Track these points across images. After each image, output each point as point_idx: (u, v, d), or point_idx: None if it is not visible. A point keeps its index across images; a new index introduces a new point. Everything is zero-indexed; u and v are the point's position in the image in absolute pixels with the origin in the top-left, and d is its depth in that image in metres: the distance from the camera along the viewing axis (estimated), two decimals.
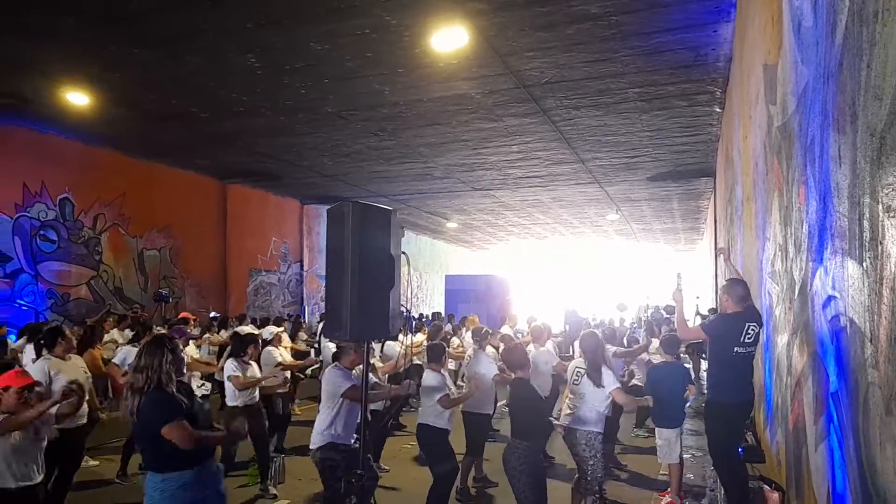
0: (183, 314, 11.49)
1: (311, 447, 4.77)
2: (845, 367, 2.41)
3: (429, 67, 8.26)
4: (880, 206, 1.79)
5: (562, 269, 35.85)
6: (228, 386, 6.29)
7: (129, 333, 9.45)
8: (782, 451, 4.74)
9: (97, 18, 6.90)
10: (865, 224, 1.97)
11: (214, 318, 12.77)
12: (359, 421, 4.60)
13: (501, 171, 14.24)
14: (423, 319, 17.47)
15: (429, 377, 5.63)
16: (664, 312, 16.48)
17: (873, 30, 1.82)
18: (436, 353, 5.82)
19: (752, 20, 5.36)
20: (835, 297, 2.56)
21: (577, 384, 5.19)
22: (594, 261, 34.12)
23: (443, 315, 17.50)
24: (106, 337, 9.31)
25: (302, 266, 18.95)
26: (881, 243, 1.80)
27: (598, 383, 5.00)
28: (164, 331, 8.60)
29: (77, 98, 9.33)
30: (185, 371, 3.72)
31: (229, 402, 6.32)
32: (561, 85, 8.83)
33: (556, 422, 5.09)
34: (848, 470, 2.38)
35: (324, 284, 20.28)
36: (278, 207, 17.83)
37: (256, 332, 9.26)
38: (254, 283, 16.86)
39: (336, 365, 5.05)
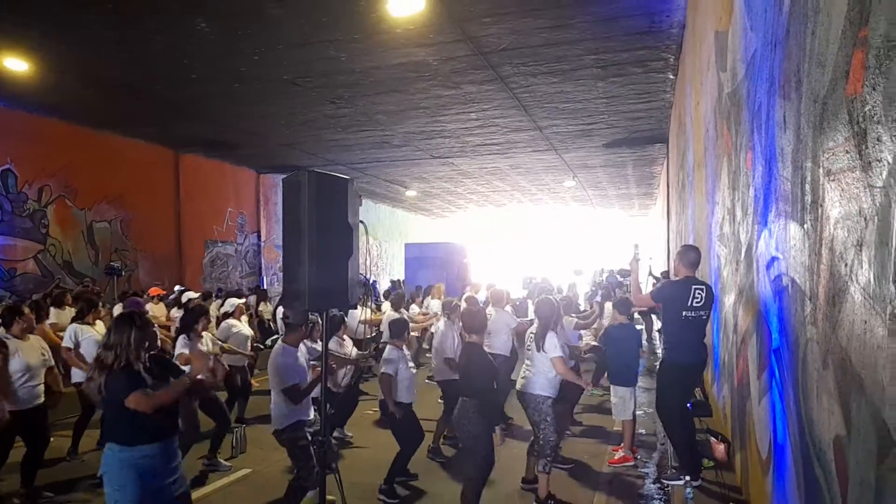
0: (153, 290, 11.24)
1: (276, 428, 4.65)
2: (786, 324, 2.52)
3: (385, 34, 8.09)
4: (821, 170, 1.86)
5: (520, 237, 36.22)
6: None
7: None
8: (728, 404, 4.97)
9: None
10: (807, 187, 2.04)
11: (182, 292, 12.51)
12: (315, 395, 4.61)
13: (460, 138, 14.17)
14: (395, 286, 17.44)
15: (389, 352, 5.66)
16: (619, 276, 16.85)
17: None
18: (398, 329, 5.83)
19: None
20: (778, 259, 2.66)
21: (529, 349, 5.30)
22: (552, 227, 34.56)
23: (403, 283, 17.51)
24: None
25: (259, 236, 18.63)
26: (821, 206, 1.87)
27: (540, 348, 5.10)
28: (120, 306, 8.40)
29: (15, 64, 8.85)
30: (157, 345, 3.63)
31: None
32: (518, 52, 8.78)
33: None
34: (788, 422, 2.51)
35: (281, 254, 20.01)
36: (234, 177, 17.41)
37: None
38: (210, 255, 16.51)
39: (282, 345, 4.83)
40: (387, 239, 26.86)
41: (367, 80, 10.00)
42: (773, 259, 2.74)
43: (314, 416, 4.72)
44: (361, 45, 8.50)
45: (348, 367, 6.61)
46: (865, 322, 1.48)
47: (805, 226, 2.08)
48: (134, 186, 13.90)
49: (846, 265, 1.62)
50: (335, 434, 6.79)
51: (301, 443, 4.54)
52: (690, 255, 4.82)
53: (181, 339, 6.15)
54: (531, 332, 5.38)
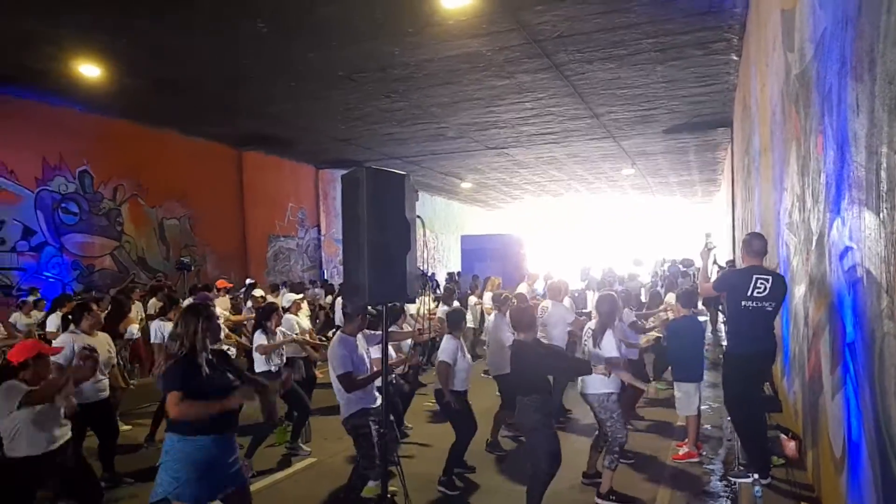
0: (220, 282, 11.67)
1: (343, 416, 4.74)
2: (861, 317, 2.40)
3: (438, 26, 8.11)
4: None
5: (578, 227, 35.65)
6: (256, 355, 6.45)
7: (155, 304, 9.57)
8: (799, 400, 4.77)
9: None
10: (883, 174, 1.94)
11: (252, 285, 12.96)
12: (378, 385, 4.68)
13: (515, 128, 14.06)
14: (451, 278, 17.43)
15: (445, 343, 5.70)
16: (681, 266, 16.38)
17: None
18: (454, 320, 5.87)
19: None
20: (851, 248, 2.53)
21: (586, 345, 5.22)
22: (611, 216, 33.88)
23: (459, 275, 17.56)
24: (133, 310, 9.43)
25: (319, 230, 19.06)
26: None
27: (597, 345, 5.02)
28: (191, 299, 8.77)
29: (89, 70, 9.32)
30: (221, 338, 3.77)
31: (257, 368, 6.46)
32: (573, 38, 8.63)
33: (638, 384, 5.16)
34: (864, 419, 2.40)
35: (341, 249, 20.41)
36: (293, 173, 17.85)
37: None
38: (273, 249, 17.02)
39: (340, 335, 4.91)
40: (443, 231, 26.98)
41: (421, 73, 10.05)
42: (847, 249, 2.61)
43: (380, 404, 4.81)
44: (414, 39, 8.55)
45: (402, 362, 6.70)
46: None
47: (881, 214, 1.97)
48: (200, 184, 14.45)
49: None
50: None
51: (363, 430, 4.61)
52: (755, 243, 4.64)
53: (258, 333, 6.44)
54: (589, 327, 5.30)
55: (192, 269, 13.57)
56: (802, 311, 4.34)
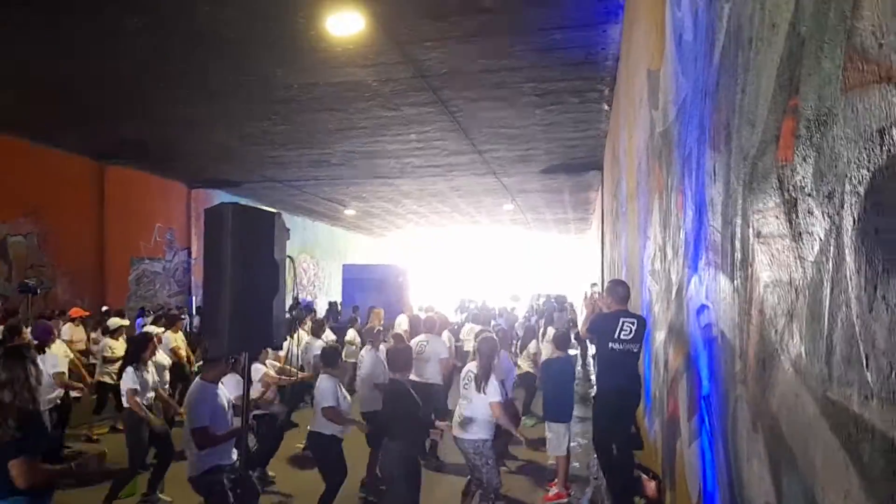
0: (74, 310, 10.55)
1: (192, 473, 4.28)
2: (716, 375, 2.50)
3: (324, 52, 7.93)
4: (751, 230, 1.84)
5: (459, 258, 36.34)
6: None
7: None
8: (659, 440, 4.99)
9: None
10: (737, 244, 2.02)
11: (107, 313, 11.80)
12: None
13: (400, 159, 14.07)
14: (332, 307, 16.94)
15: (322, 382, 5.41)
16: (555, 302, 17.06)
17: (748, 56, 1.85)
18: (330, 358, 5.61)
19: (638, 24, 5.52)
20: (708, 307, 2.65)
21: (467, 388, 5.17)
22: (490, 249, 34.85)
23: (339, 304, 17.17)
24: None
25: (190, 253, 17.90)
26: (751, 266, 1.85)
27: (481, 389, 5.00)
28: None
29: None
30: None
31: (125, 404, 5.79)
32: (458, 76, 8.78)
33: (440, 424, 5.02)
34: (717, 473, 2.48)
35: (201, 286, 19.29)
36: (163, 191, 16.69)
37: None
38: (136, 272, 15.72)
39: (199, 382, 4.52)
40: (324, 258, 26.37)
41: (305, 97, 9.78)
42: (703, 307, 2.74)
43: (235, 459, 4.40)
44: (300, 62, 8.30)
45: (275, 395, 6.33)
46: (797, 395, 1.45)
47: (735, 282, 2.06)
48: (53, 198, 13.08)
49: (776, 332, 1.59)
50: (255, 474, 6.45)
51: (217, 488, 4.20)
52: (619, 290, 4.87)
53: (129, 371, 5.73)
54: (471, 371, 5.24)
55: (39, 292, 12.17)
56: (663, 355, 4.56)
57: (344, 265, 20.82)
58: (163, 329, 9.30)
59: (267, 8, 6.78)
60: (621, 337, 4.60)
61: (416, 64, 8.35)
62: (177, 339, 9.68)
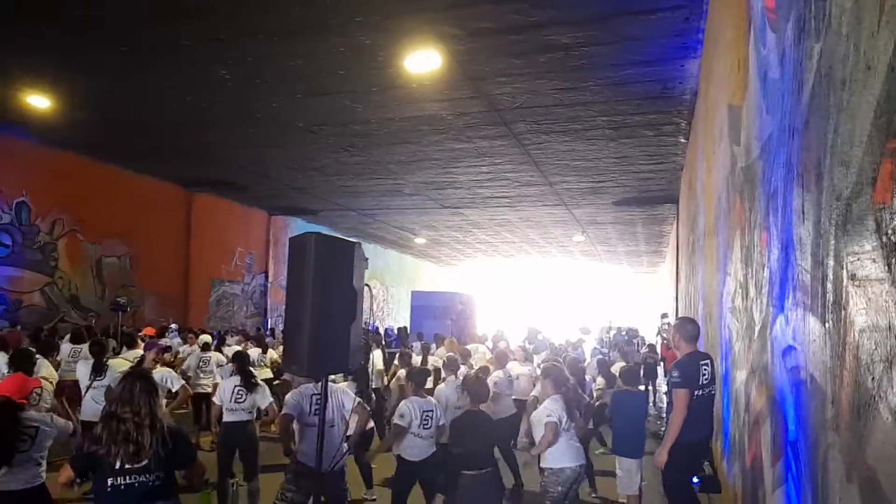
0: (146, 330, 11.16)
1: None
2: (805, 420, 2.40)
3: (401, 88, 8.22)
4: (845, 272, 1.78)
5: (527, 288, 36.04)
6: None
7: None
8: (739, 485, 4.77)
9: (68, 24, 6.68)
10: (829, 286, 1.96)
11: (166, 331, 12.44)
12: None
13: (471, 189, 14.25)
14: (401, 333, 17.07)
15: (405, 404, 5.41)
16: (626, 335, 16.63)
17: (841, 97, 1.82)
18: (419, 380, 5.61)
19: (719, 60, 5.45)
20: (795, 349, 2.56)
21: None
22: (559, 280, 34.42)
23: (409, 330, 17.31)
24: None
25: (266, 277, 18.61)
26: (845, 309, 1.79)
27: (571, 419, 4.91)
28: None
29: (37, 101, 9.02)
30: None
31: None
32: (531, 110, 8.88)
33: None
34: None
35: (284, 315, 19.94)
36: (244, 218, 17.52)
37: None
38: (216, 294, 16.47)
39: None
40: (394, 284, 26.79)
41: (381, 131, 10.13)
42: (791, 348, 2.64)
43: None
44: (377, 98, 8.63)
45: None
46: None
47: (826, 325, 1.99)
48: (144, 223, 13.98)
49: (873, 379, 1.54)
50: None
51: None
52: (688, 328, 4.72)
53: (230, 383, 6.11)
54: (535, 396, 5.20)
55: (128, 310, 12.96)
56: (744, 396, 4.38)
57: (413, 292, 21.08)
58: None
59: (349, 51, 7.13)
60: (702, 382, 4.45)
61: (490, 98, 8.51)
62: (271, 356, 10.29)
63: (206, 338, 9.68)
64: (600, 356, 11.18)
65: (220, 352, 9.80)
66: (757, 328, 3.69)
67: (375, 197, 15.58)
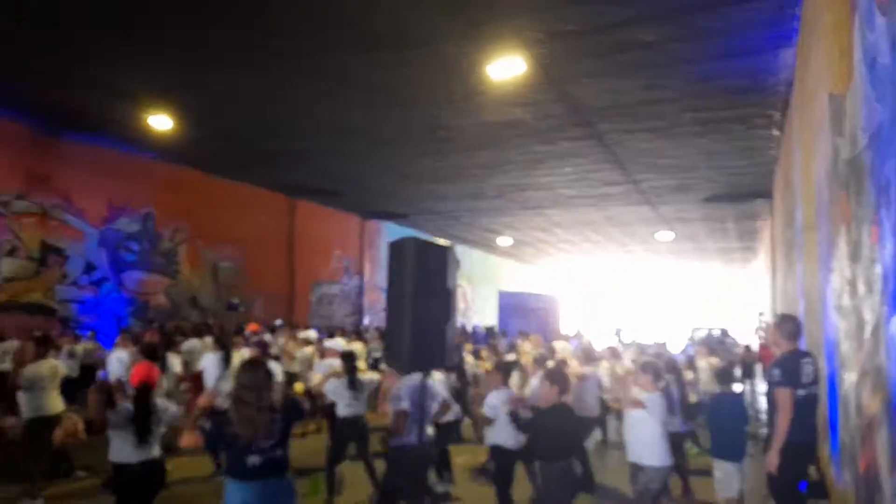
0: (250, 326, 11.74)
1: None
2: None
3: (484, 94, 8.21)
4: None
5: (612, 287, 35.03)
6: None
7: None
8: (851, 493, 4.39)
9: (182, 46, 7.11)
10: None
11: (280, 326, 13.00)
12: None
13: (553, 190, 14.03)
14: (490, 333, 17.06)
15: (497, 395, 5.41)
16: (716, 335, 15.81)
17: None
18: (506, 371, 5.62)
19: (816, 48, 5.05)
20: None
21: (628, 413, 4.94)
22: (645, 278, 33.25)
23: (496, 329, 17.32)
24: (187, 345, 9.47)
25: (362, 278, 19.14)
26: None
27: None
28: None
29: (160, 121, 9.67)
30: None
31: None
32: (615, 110, 8.62)
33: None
34: None
35: (383, 296, 20.45)
36: (341, 222, 18.10)
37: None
38: (317, 295, 17.11)
39: None
40: (479, 283, 26.82)
41: (465, 137, 10.17)
42: None
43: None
44: (461, 105, 8.67)
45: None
46: None
47: None
48: (254, 229, 14.73)
49: None
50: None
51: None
52: (789, 326, 4.39)
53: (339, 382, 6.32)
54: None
55: (241, 310, 13.70)
56: (854, 399, 4.03)
57: (500, 291, 20.99)
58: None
59: (433, 61, 7.19)
60: (804, 381, 4.13)
61: (573, 100, 8.34)
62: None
63: (311, 334, 10.05)
64: (685, 355, 10.68)
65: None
66: (869, 328, 3.38)
67: (460, 200, 15.66)
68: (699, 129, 9.27)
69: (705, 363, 8.94)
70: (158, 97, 8.81)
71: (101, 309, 11.40)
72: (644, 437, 4.73)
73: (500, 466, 5.20)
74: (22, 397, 6.15)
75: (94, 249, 11.31)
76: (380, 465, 5.86)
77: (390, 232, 20.08)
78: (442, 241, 3.44)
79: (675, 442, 5.46)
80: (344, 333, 12.67)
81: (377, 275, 19.80)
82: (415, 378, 4.61)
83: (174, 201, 12.81)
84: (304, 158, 12.07)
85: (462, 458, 7.40)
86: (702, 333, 17.40)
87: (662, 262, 27.55)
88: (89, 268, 11.23)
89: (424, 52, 6.99)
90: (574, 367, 7.39)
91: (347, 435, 6.15)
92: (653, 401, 4.77)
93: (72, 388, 9.24)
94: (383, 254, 20.04)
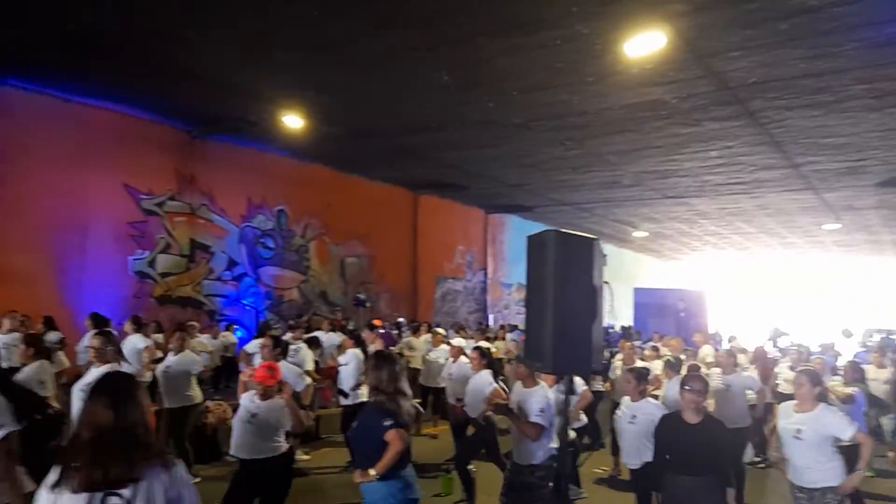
0: (375, 321, 12.42)
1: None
2: None
3: (620, 74, 8.08)
4: None
5: (767, 284, 32.54)
6: None
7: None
8: None
9: (309, 47, 7.65)
10: None
11: (400, 325, 13.61)
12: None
13: (698, 177, 13.44)
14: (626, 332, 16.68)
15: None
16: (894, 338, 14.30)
17: None
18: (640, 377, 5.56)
19: None
20: None
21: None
22: (807, 275, 30.60)
23: (632, 329, 16.89)
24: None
25: (486, 274, 19.45)
26: None
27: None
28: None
29: (292, 120, 10.48)
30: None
31: None
32: (771, 84, 8.13)
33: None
34: None
35: (506, 293, 20.67)
36: (464, 216, 18.51)
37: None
38: (441, 290, 17.65)
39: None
40: (612, 280, 26.18)
41: (599, 121, 10.04)
42: None
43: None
44: (594, 87, 8.59)
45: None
46: None
47: None
48: (379, 225, 15.52)
49: None
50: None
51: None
52: None
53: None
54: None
55: (367, 305, 14.50)
56: None
57: (636, 289, 20.43)
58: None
59: (565, 43, 7.19)
60: None
61: (721, 76, 7.98)
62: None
63: (438, 330, 10.46)
64: (857, 359, 9.80)
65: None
66: None
67: (592, 190, 15.43)
68: (873, 103, 8.49)
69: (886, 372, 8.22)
70: (292, 98, 9.57)
71: (241, 303, 12.60)
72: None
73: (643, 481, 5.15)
74: (164, 386, 6.68)
75: (234, 246, 12.51)
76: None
77: (515, 227, 20.21)
78: (588, 235, 3.46)
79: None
80: (463, 330, 13.02)
81: (500, 271, 20.03)
82: (557, 389, 4.72)
83: (304, 198, 13.82)
84: (428, 152, 12.51)
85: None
86: (876, 337, 15.81)
87: (827, 256, 25.30)
88: (231, 264, 12.44)
89: (556, 35, 7.02)
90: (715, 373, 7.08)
91: (481, 434, 6.39)
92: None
93: (214, 378, 10.40)
94: (507, 249, 20.23)
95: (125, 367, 4.85)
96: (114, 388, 2.21)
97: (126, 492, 2.05)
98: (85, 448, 2.07)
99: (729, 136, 10.47)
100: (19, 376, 5.41)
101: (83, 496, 2.03)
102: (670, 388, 6.40)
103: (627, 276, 26.93)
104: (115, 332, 5.73)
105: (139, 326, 7.83)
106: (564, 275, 3.27)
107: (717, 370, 7.04)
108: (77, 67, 8.63)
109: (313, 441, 8.62)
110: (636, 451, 5.14)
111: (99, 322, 7.65)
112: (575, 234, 3.43)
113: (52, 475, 2.09)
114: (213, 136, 11.70)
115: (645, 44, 7.10)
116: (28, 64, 8.54)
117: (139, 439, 2.12)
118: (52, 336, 8.10)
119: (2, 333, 7.75)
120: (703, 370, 7.24)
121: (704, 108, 9.20)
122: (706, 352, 10.49)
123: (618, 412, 5.55)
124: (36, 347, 5.81)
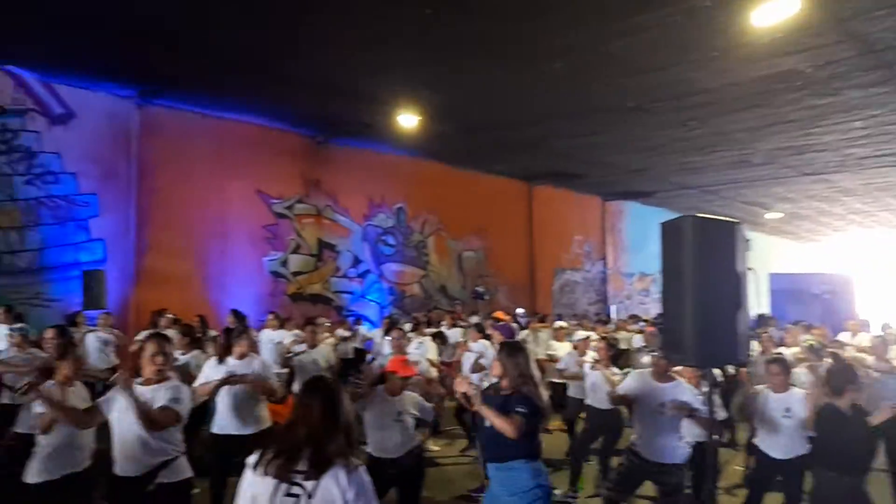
0: (498, 313, 12.48)
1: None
2: None
3: (747, 46, 7.61)
4: None
5: None
6: None
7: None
8: None
9: (421, 46, 7.81)
10: None
11: (522, 317, 13.57)
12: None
13: (839, 151, 12.37)
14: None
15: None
16: None
17: None
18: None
19: None
20: None
21: None
22: None
23: (769, 317, 15.80)
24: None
25: (605, 264, 18.99)
26: None
27: None
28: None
29: (407, 119, 10.78)
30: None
31: None
32: None
33: None
34: None
35: (629, 283, 20.04)
36: (580, 205, 18.17)
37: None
38: (559, 282, 17.45)
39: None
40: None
41: (724, 98, 9.52)
42: None
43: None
44: (718, 63, 8.16)
45: None
46: None
47: None
48: (494, 218, 15.61)
49: None
50: None
51: None
52: None
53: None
54: None
55: (486, 298, 14.63)
56: None
57: (771, 274, 19.04)
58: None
59: (684, 18, 6.87)
60: None
61: (864, 39, 7.32)
62: None
63: (560, 323, 10.32)
64: None
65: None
66: None
67: (719, 171, 14.61)
68: None
69: None
70: (408, 98, 9.85)
71: (366, 298, 13.15)
72: None
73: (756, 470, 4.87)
74: (299, 377, 6.97)
75: (358, 244, 13.08)
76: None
77: (634, 213, 19.56)
78: (729, 219, 3.28)
79: None
80: (583, 322, 12.79)
81: (621, 260, 19.46)
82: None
83: (421, 195, 14.17)
84: (541, 142, 12.41)
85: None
86: None
87: None
88: (356, 261, 13.02)
89: (674, 11, 6.73)
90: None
91: (598, 429, 6.28)
92: None
93: (344, 370, 10.93)
94: (626, 238, 19.60)
95: (259, 359, 5.30)
96: (326, 390, 2.41)
97: (309, 484, 2.22)
98: (295, 440, 2.28)
99: (874, 105, 9.59)
100: (178, 362, 5.98)
101: (273, 481, 2.24)
102: (804, 377, 5.98)
103: (760, 260, 25.16)
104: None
105: (281, 322, 8.39)
106: (704, 262, 3.12)
107: (871, 358, 6.47)
108: (215, 85, 9.40)
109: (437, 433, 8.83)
110: (791, 445, 4.81)
111: (238, 318, 8.28)
112: (714, 219, 3.27)
113: (253, 456, 2.34)
114: (334, 140, 12.28)
115: (774, 10, 6.65)
116: (175, 85, 9.41)
117: (347, 440, 2.32)
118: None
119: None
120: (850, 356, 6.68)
121: (845, 76, 8.48)
122: (862, 339, 9.60)
123: (758, 404, 5.22)
124: (191, 337, 6.45)
